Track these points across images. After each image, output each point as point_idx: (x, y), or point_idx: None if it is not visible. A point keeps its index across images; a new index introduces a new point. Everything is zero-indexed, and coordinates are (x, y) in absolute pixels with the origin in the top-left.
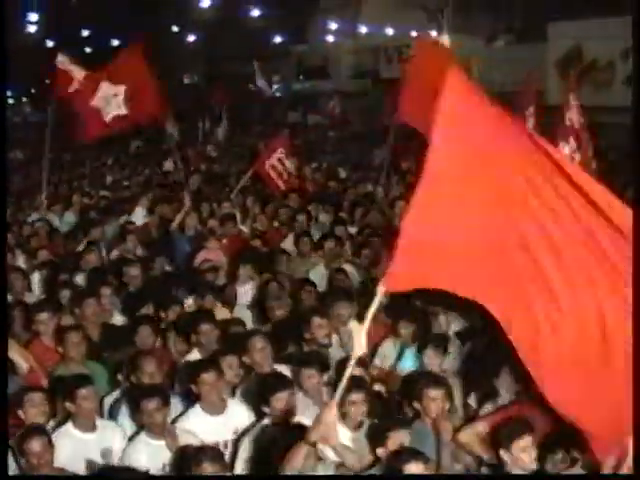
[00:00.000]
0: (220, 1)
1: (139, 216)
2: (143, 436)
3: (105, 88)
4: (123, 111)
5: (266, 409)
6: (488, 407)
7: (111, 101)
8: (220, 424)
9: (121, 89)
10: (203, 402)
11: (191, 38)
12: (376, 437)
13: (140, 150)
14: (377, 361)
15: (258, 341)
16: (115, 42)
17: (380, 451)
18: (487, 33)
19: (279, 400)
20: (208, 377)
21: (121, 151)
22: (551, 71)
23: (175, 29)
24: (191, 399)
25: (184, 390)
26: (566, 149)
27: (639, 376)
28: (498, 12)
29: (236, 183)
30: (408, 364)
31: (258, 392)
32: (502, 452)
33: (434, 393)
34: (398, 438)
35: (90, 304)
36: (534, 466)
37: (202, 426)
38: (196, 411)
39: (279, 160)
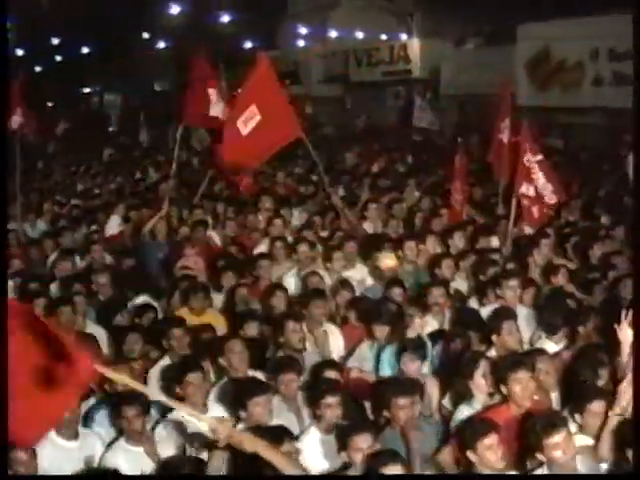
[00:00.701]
0: (189, 8)
1: (114, 224)
2: (122, 442)
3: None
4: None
5: (243, 413)
6: (462, 409)
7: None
8: (202, 426)
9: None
10: (186, 404)
11: (161, 45)
12: (339, 440)
13: (112, 158)
14: (355, 363)
15: (236, 344)
16: (85, 50)
17: (343, 454)
18: (456, 36)
19: (257, 405)
20: (194, 377)
21: (93, 159)
22: (520, 73)
23: (145, 36)
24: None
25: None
26: (530, 190)
27: (639, 376)
28: (467, 16)
29: (208, 189)
30: (386, 370)
31: (235, 396)
32: (469, 453)
33: (402, 401)
34: (360, 442)
35: (64, 312)
36: (501, 465)
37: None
38: (178, 413)
39: None
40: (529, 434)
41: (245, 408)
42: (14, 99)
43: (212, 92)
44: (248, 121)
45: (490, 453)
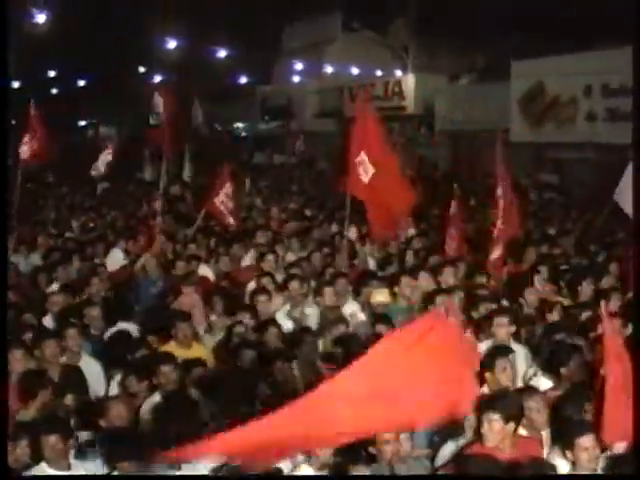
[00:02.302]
0: (186, 42)
1: (116, 258)
2: None
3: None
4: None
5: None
6: (449, 445)
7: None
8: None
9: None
10: None
11: (157, 78)
12: (337, 474)
13: (107, 192)
14: None
15: None
16: (81, 82)
17: None
18: (450, 72)
19: None
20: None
21: (87, 193)
22: (514, 108)
23: (141, 70)
24: None
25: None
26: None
27: (639, 378)
28: (461, 52)
29: (202, 223)
30: None
31: None
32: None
33: (387, 435)
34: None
35: (50, 345)
36: None
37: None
38: None
39: (227, 195)
40: None
41: None
42: (26, 127)
43: None
44: (366, 169)
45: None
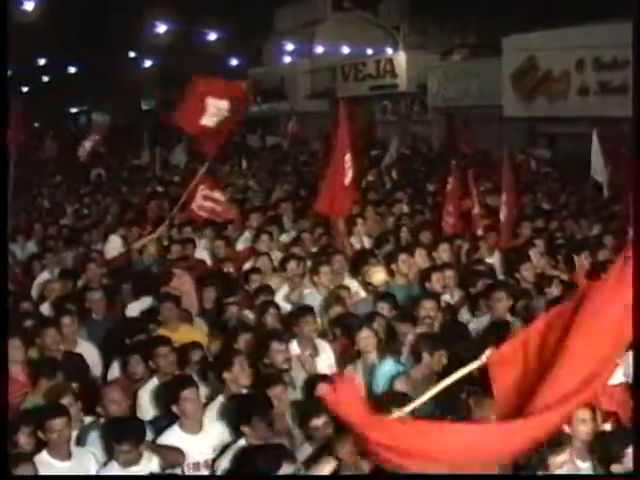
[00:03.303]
0: (176, 26)
1: (114, 244)
2: (115, 465)
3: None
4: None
5: (246, 429)
6: None
7: None
8: (200, 442)
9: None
10: (182, 421)
11: (148, 63)
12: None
13: (100, 178)
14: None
15: (241, 361)
16: (72, 70)
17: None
18: (442, 49)
19: (261, 421)
20: (189, 394)
21: (81, 180)
22: (506, 84)
23: (132, 55)
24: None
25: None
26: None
27: (639, 377)
28: (452, 28)
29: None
30: (381, 386)
31: (239, 412)
32: None
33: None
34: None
35: (50, 333)
36: None
37: (182, 446)
38: (174, 431)
39: (204, 197)
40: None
41: (249, 424)
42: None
43: (211, 103)
44: (347, 170)
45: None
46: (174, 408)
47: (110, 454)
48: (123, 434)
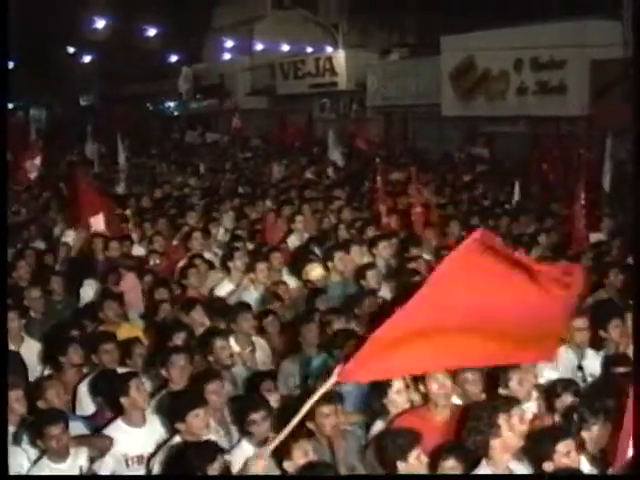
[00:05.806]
0: (115, 22)
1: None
2: (46, 460)
3: None
4: None
5: (181, 426)
6: (378, 423)
7: None
8: (143, 436)
9: None
10: (126, 414)
11: (87, 59)
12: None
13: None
14: (280, 381)
15: (180, 359)
16: (10, 65)
17: (287, 464)
18: (381, 47)
19: (196, 417)
20: (137, 384)
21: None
22: (445, 83)
23: (71, 50)
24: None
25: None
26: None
27: (639, 377)
28: (391, 27)
29: (136, 205)
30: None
31: (174, 408)
32: (398, 463)
33: (326, 410)
34: (302, 449)
35: None
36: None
37: (126, 439)
38: (118, 425)
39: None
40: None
41: (183, 420)
42: None
43: None
44: None
45: (418, 462)
46: (122, 399)
47: (39, 449)
48: (50, 418)
